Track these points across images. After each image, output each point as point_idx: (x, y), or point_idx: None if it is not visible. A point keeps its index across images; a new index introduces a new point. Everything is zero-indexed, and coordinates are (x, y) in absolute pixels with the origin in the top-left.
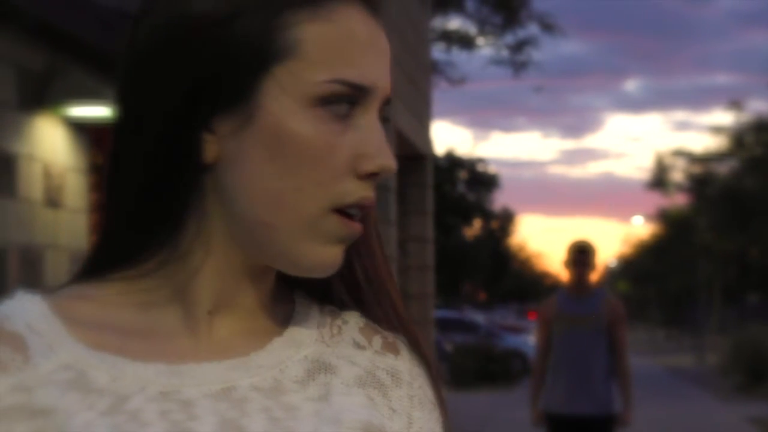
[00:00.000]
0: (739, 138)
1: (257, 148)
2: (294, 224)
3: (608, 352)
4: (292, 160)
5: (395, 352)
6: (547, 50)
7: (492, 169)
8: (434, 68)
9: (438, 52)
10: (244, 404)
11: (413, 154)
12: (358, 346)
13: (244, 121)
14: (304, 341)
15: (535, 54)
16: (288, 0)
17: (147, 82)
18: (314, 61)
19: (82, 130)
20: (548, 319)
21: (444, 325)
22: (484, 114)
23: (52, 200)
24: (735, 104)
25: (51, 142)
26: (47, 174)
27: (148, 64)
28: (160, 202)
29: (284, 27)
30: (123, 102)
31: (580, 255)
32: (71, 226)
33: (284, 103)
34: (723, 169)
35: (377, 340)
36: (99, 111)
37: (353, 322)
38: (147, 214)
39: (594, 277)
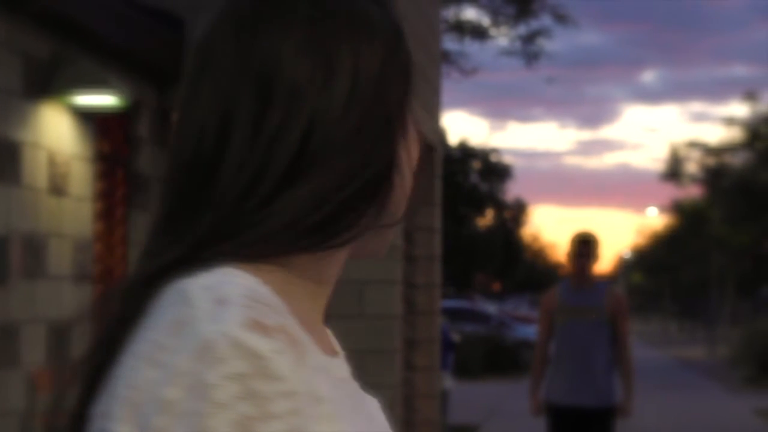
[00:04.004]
0: (753, 130)
1: (405, 154)
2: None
3: (610, 344)
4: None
5: None
6: (564, 41)
7: (505, 159)
8: (447, 58)
9: (451, 42)
10: (363, 396)
11: (421, 145)
12: None
13: (406, 132)
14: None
15: (550, 45)
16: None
17: (380, 98)
18: None
19: (87, 118)
20: (550, 310)
21: (455, 315)
22: (501, 104)
23: (57, 188)
24: (750, 96)
25: (56, 130)
26: (52, 162)
27: (384, 87)
28: (354, 202)
29: None
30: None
31: (583, 246)
32: (75, 214)
33: None
34: (737, 161)
35: None
36: (105, 99)
37: None
38: (338, 209)
39: (597, 268)
